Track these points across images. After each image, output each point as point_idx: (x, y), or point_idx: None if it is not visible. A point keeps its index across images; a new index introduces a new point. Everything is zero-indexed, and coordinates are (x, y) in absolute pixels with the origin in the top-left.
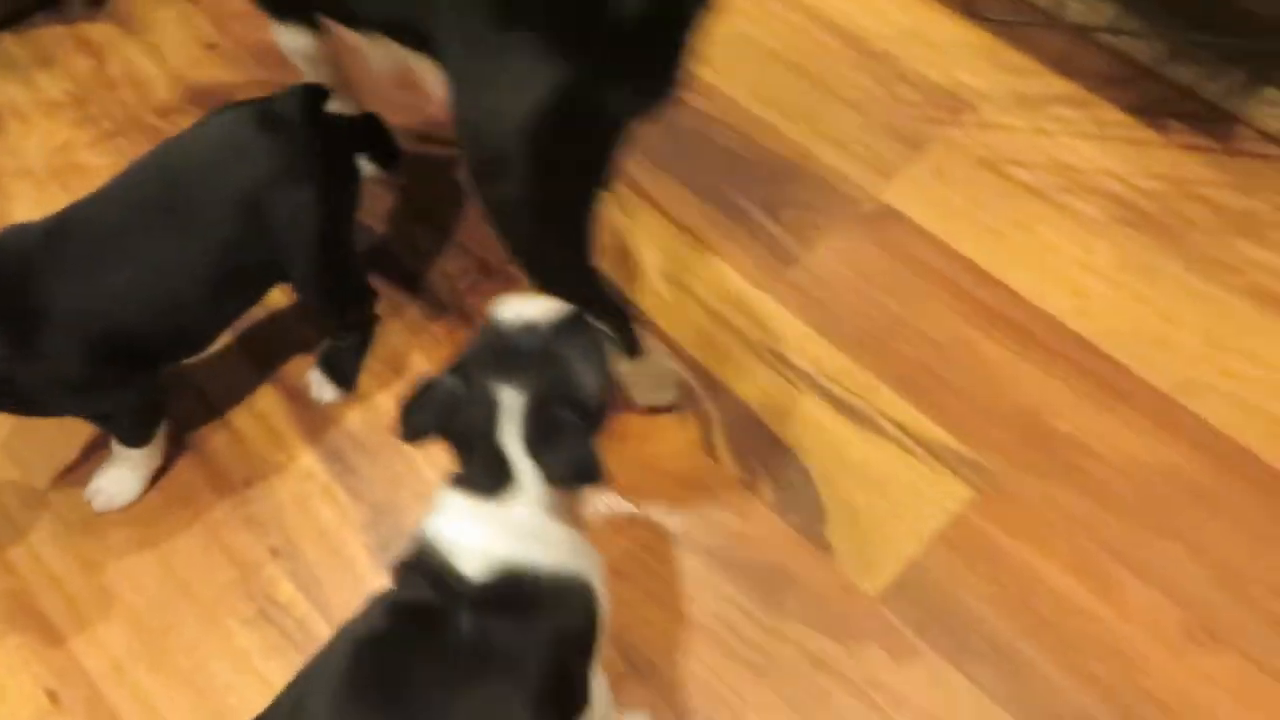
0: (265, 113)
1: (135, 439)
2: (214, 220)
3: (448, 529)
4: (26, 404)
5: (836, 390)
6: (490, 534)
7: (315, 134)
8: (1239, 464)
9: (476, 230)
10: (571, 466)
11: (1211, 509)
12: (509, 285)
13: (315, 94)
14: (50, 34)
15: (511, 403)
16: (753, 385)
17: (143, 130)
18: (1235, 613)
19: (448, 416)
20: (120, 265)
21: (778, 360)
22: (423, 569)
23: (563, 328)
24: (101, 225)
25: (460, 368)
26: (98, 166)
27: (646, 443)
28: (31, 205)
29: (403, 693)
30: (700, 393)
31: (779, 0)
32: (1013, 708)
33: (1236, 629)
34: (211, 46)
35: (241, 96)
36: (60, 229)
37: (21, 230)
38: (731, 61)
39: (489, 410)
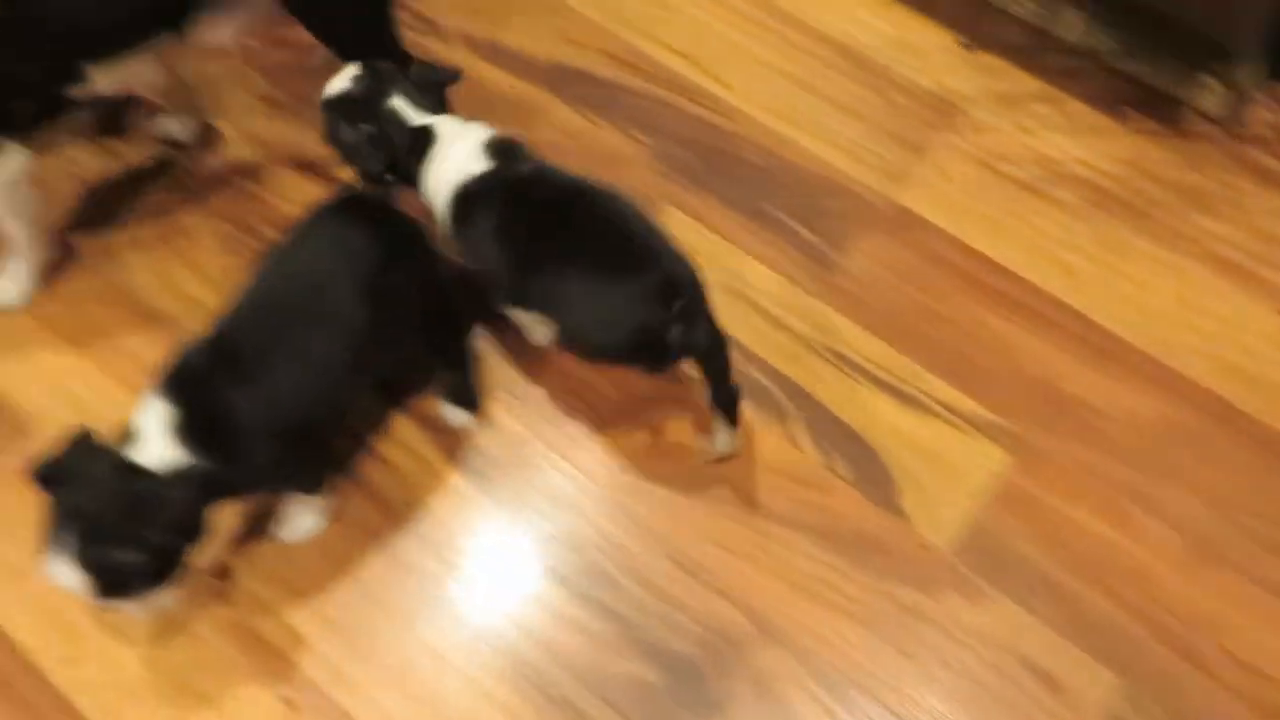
0: (357, 205)
1: (316, 488)
2: (348, 312)
3: None
4: (236, 495)
5: (887, 378)
6: None
7: (400, 214)
8: (1217, 410)
9: None
10: None
11: (1200, 451)
12: None
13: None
14: None
15: None
16: (819, 381)
17: None
18: (1229, 536)
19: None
20: (285, 367)
21: (837, 358)
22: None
23: None
24: (258, 334)
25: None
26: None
27: (748, 446)
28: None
29: None
30: (776, 391)
31: (784, 23)
32: (1068, 632)
33: (1231, 549)
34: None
35: None
36: (225, 344)
37: (196, 350)
38: (748, 84)
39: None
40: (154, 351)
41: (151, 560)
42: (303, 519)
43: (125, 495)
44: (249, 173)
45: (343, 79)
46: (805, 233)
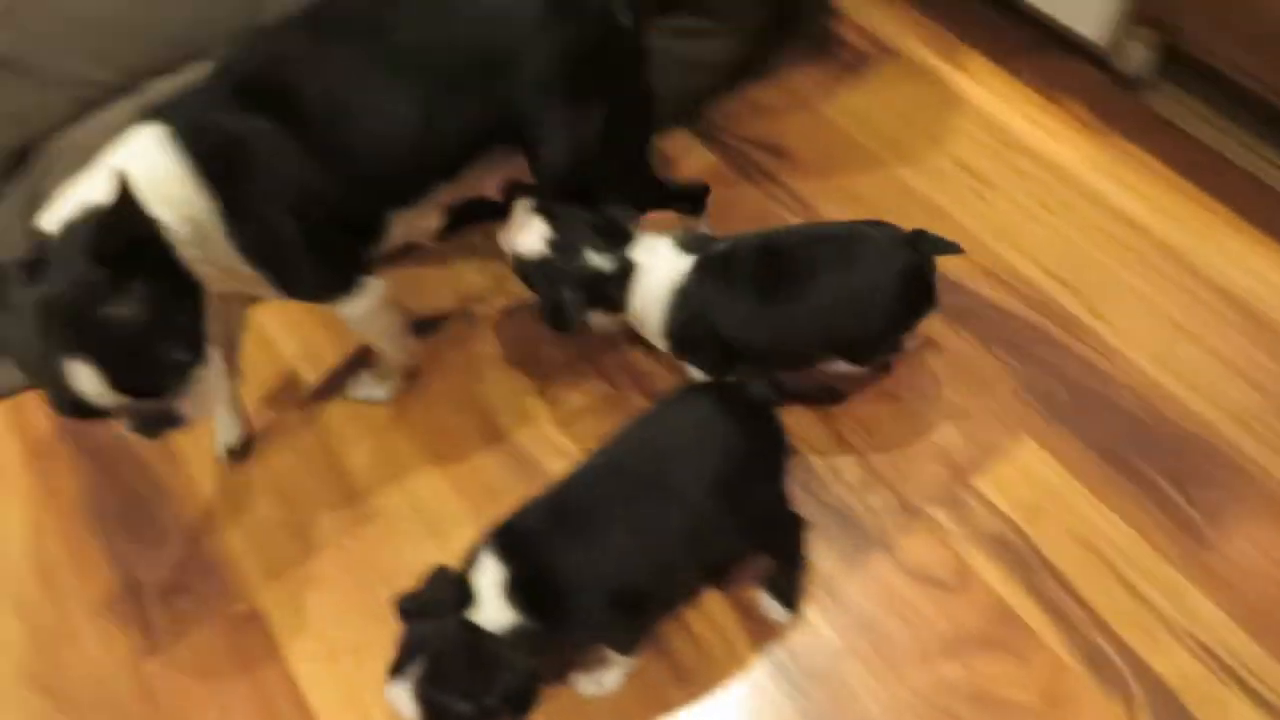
0: (731, 394)
1: (630, 651)
2: (697, 498)
3: None
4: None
5: (1258, 685)
6: None
7: (772, 414)
8: None
9: (895, 464)
10: None
11: None
12: (954, 513)
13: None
14: None
15: None
16: (1172, 665)
17: None
18: None
19: None
20: (622, 538)
21: (1199, 646)
22: None
23: None
24: (601, 500)
25: None
26: None
27: (1069, 713)
28: None
29: None
30: (1122, 665)
31: (1174, 263)
32: None
33: None
34: None
35: None
36: (566, 505)
37: (535, 510)
38: (1133, 326)
39: None
40: (494, 470)
41: (480, 716)
42: (606, 676)
43: (471, 651)
44: (633, 336)
45: (532, 234)
46: (1178, 498)
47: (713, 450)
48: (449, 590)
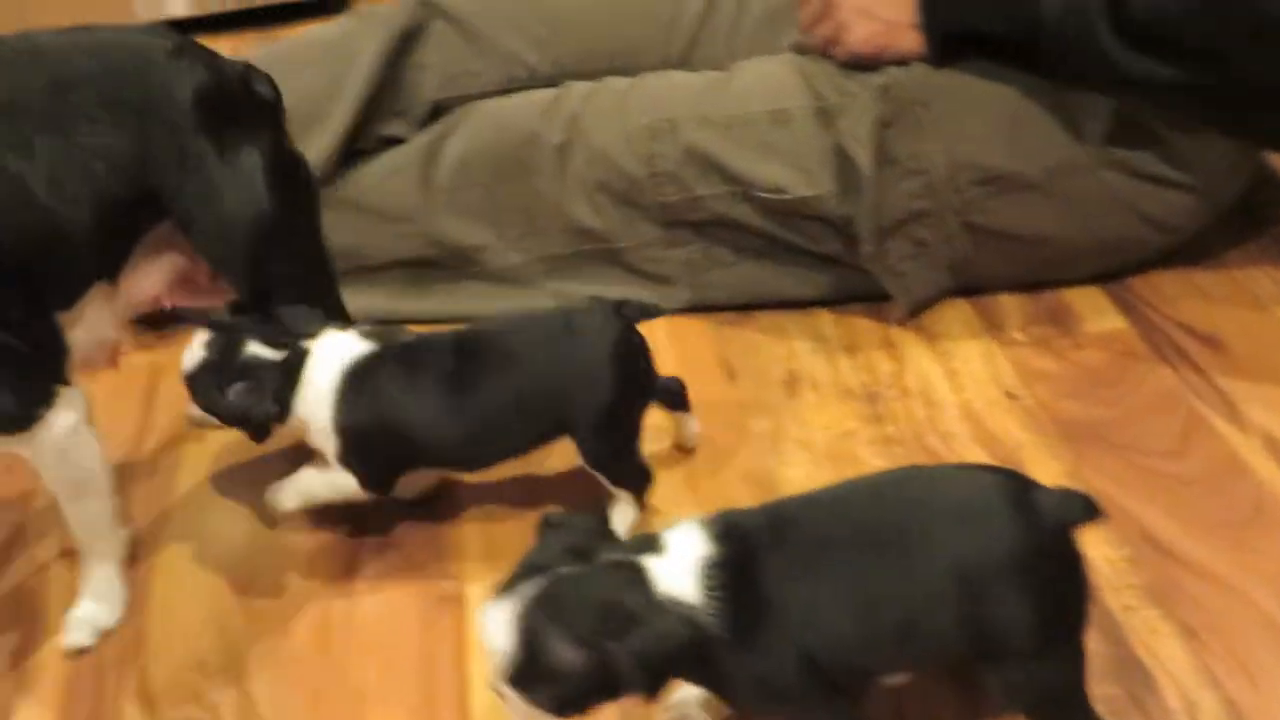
0: (1027, 492)
1: None
2: (940, 586)
3: None
4: (717, 685)
5: None
6: None
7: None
8: None
9: None
10: None
11: None
12: None
13: None
14: (863, 324)
15: None
16: None
17: (923, 447)
18: None
19: None
20: (835, 578)
21: None
22: None
23: None
24: (821, 530)
25: None
26: (871, 464)
27: None
28: (803, 475)
29: None
30: None
31: None
32: None
33: None
34: (1011, 396)
35: (1030, 463)
36: (781, 522)
37: (748, 514)
38: None
39: None
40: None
41: (587, 675)
42: None
43: (618, 588)
44: None
45: (194, 346)
46: None
47: (986, 535)
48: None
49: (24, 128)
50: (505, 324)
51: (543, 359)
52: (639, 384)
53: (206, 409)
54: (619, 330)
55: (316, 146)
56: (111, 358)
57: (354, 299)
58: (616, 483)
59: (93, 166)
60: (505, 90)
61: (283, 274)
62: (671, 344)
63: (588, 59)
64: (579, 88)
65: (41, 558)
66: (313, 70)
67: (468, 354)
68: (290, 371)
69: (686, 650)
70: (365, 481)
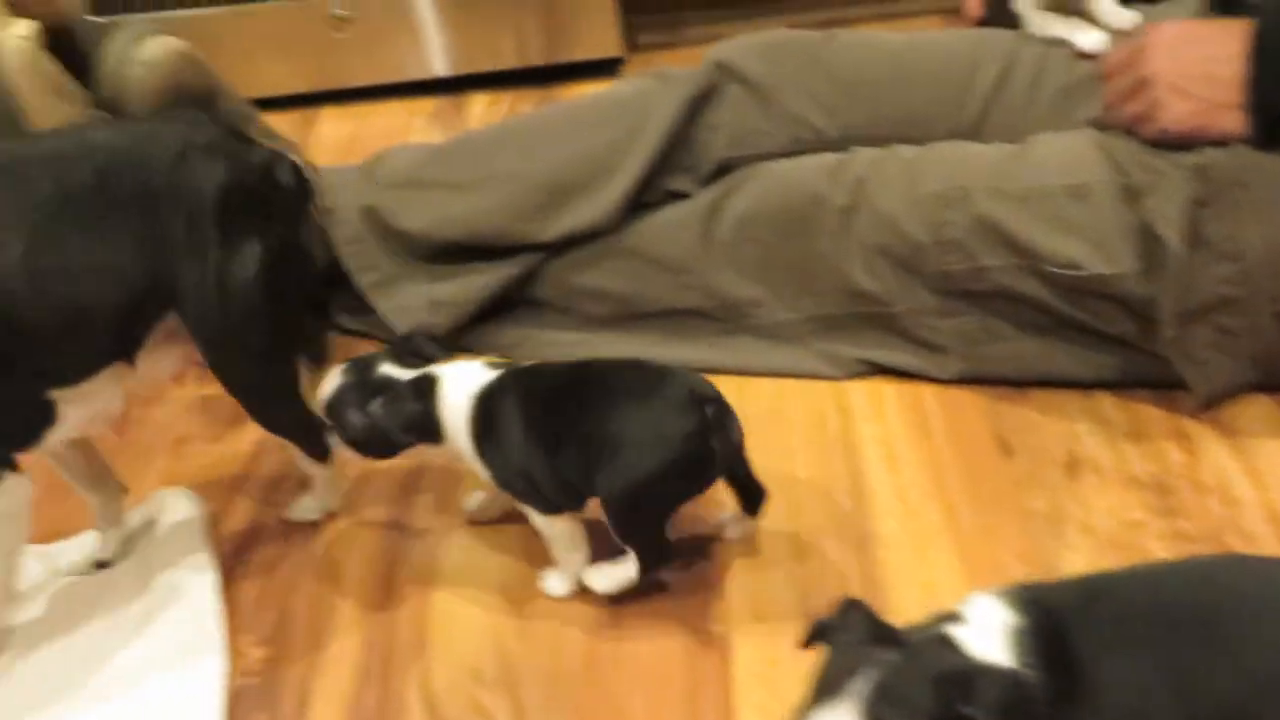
0: None
1: None
2: (1260, 665)
3: None
4: None
5: None
6: None
7: None
8: None
9: None
10: None
11: None
12: None
13: None
14: (1150, 411)
15: None
16: None
17: (1222, 546)
18: None
19: None
20: (1156, 657)
21: None
22: None
23: None
24: (1138, 607)
25: None
26: (1162, 559)
27: None
28: (1085, 560)
29: None
30: None
31: None
32: None
33: None
34: None
35: None
36: (1093, 595)
37: (1050, 588)
38: None
39: None
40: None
41: None
42: None
43: (938, 665)
44: None
45: (332, 378)
46: None
47: None
48: (872, 622)
49: (62, 222)
50: (619, 366)
51: (611, 413)
52: (687, 477)
53: (344, 432)
54: (695, 423)
55: (607, 195)
56: (115, 426)
57: (624, 344)
58: (627, 543)
59: (120, 256)
60: (791, 152)
61: (254, 348)
62: (942, 413)
63: (875, 125)
64: (866, 153)
65: (348, 533)
66: (610, 124)
67: (571, 388)
68: (425, 389)
69: (1020, 708)
70: (535, 506)
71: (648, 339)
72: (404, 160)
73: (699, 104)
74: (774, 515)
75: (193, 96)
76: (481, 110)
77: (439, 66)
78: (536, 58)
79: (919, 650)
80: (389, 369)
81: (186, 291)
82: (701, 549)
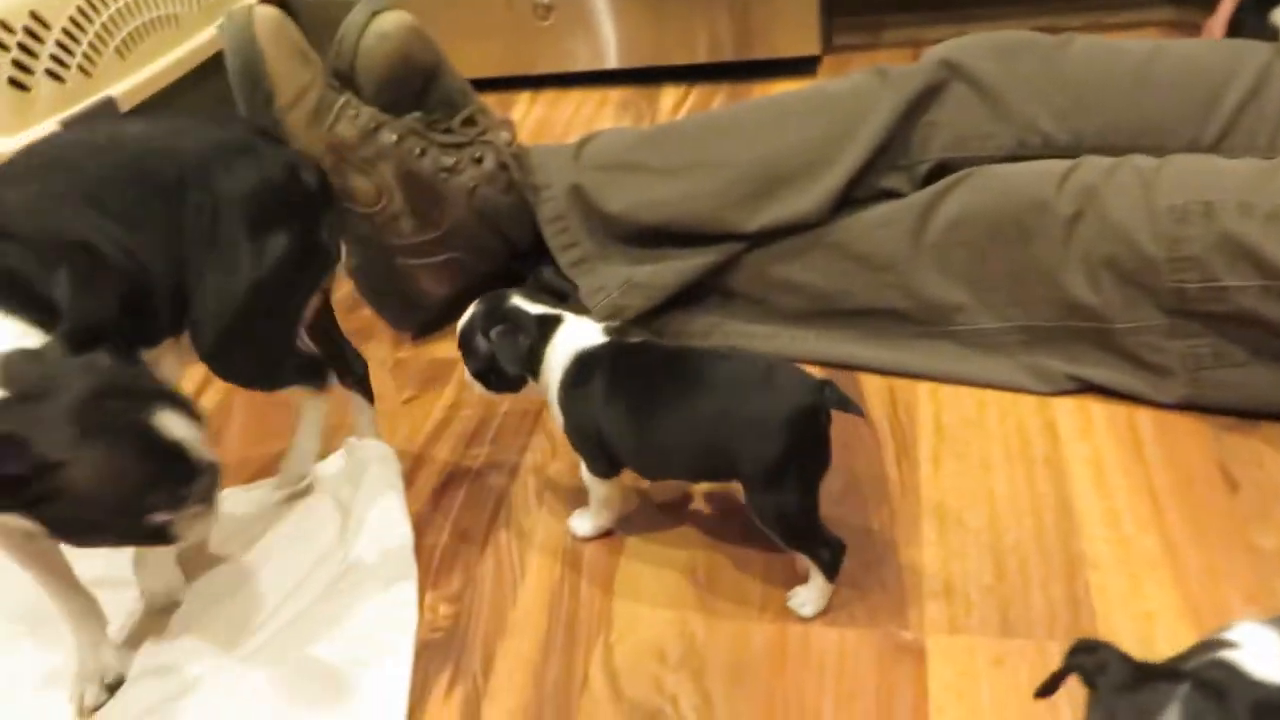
0: None
1: None
2: None
3: None
4: None
5: None
6: None
7: None
8: None
9: None
10: None
11: None
12: None
13: None
14: None
15: None
16: None
17: None
18: None
19: None
20: None
21: None
22: None
23: None
24: None
25: None
26: None
27: None
28: None
29: None
30: None
31: None
32: None
33: None
34: None
35: None
36: None
37: None
38: None
39: None
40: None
41: None
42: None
43: (1250, 695)
44: None
45: (468, 310)
46: None
47: None
48: (1132, 662)
49: (139, 204)
50: (720, 354)
51: (727, 398)
52: (812, 455)
53: (470, 360)
54: (811, 401)
55: (817, 189)
56: None
57: (816, 341)
58: (792, 545)
59: (172, 238)
60: (1013, 156)
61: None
62: (1159, 439)
63: (1109, 133)
64: (1099, 161)
65: (537, 504)
66: (825, 117)
67: (672, 370)
68: (545, 328)
69: None
70: (588, 465)
71: (842, 336)
72: (612, 142)
73: (920, 101)
74: (972, 527)
75: (419, 69)
76: (671, 102)
77: (631, 57)
78: (729, 53)
79: (1216, 682)
80: (521, 303)
81: (206, 282)
82: (895, 556)
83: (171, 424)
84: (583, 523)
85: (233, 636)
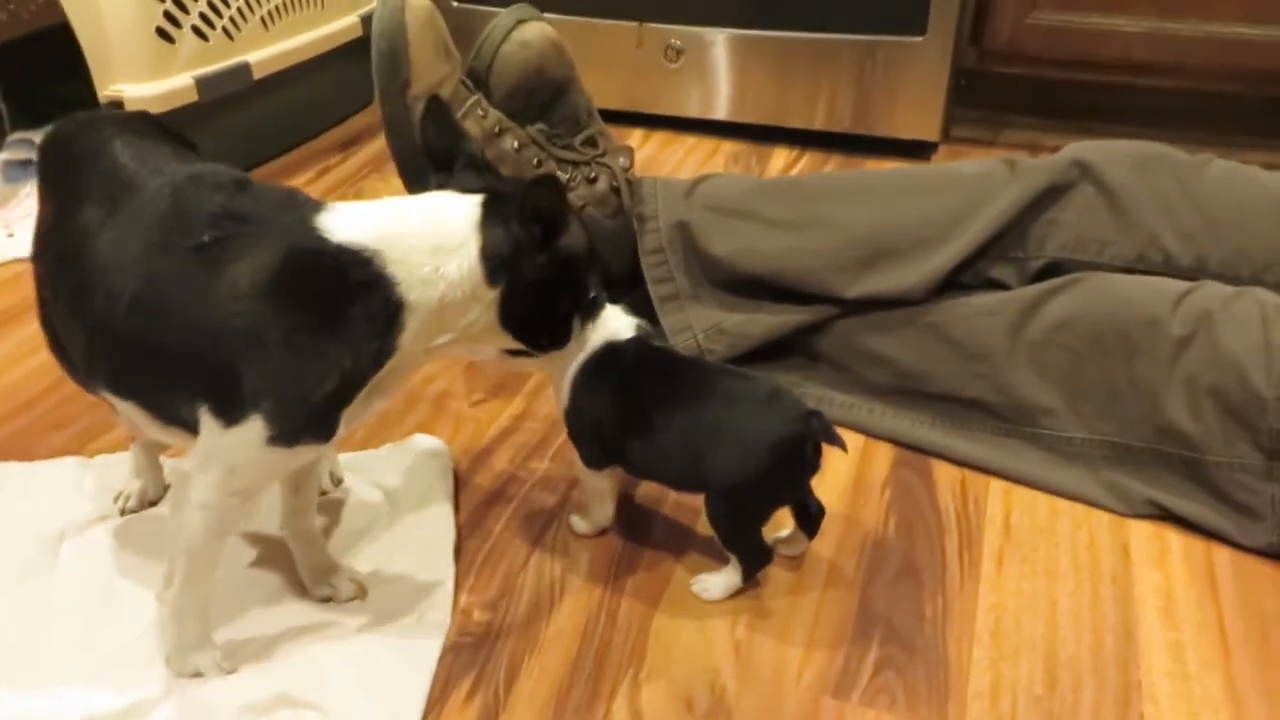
0: None
1: None
2: None
3: None
4: None
5: None
6: None
7: None
8: None
9: None
10: None
11: None
12: None
13: None
14: None
15: None
16: None
17: None
18: None
19: None
20: None
21: None
22: None
23: None
24: None
25: None
26: None
27: None
28: None
29: None
30: None
31: None
32: None
33: None
34: None
35: None
36: None
37: None
38: None
39: None
40: None
41: None
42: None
43: None
44: None
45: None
46: None
47: None
48: None
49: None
50: (733, 373)
51: (724, 411)
52: (786, 485)
53: None
54: (799, 432)
55: (926, 266)
56: None
57: (896, 420)
58: (730, 549)
59: None
60: (1130, 269)
61: None
62: (1236, 581)
63: (1235, 262)
64: (1220, 287)
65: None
66: (950, 196)
67: (683, 377)
68: (593, 307)
69: None
70: (582, 454)
71: (920, 419)
72: (728, 186)
73: (1046, 197)
74: (1028, 633)
75: (550, 82)
76: (782, 163)
77: (749, 113)
78: (846, 124)
79: None
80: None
81: None
82: (943, 647)
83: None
84: (580, 521)
85: (267, 611)
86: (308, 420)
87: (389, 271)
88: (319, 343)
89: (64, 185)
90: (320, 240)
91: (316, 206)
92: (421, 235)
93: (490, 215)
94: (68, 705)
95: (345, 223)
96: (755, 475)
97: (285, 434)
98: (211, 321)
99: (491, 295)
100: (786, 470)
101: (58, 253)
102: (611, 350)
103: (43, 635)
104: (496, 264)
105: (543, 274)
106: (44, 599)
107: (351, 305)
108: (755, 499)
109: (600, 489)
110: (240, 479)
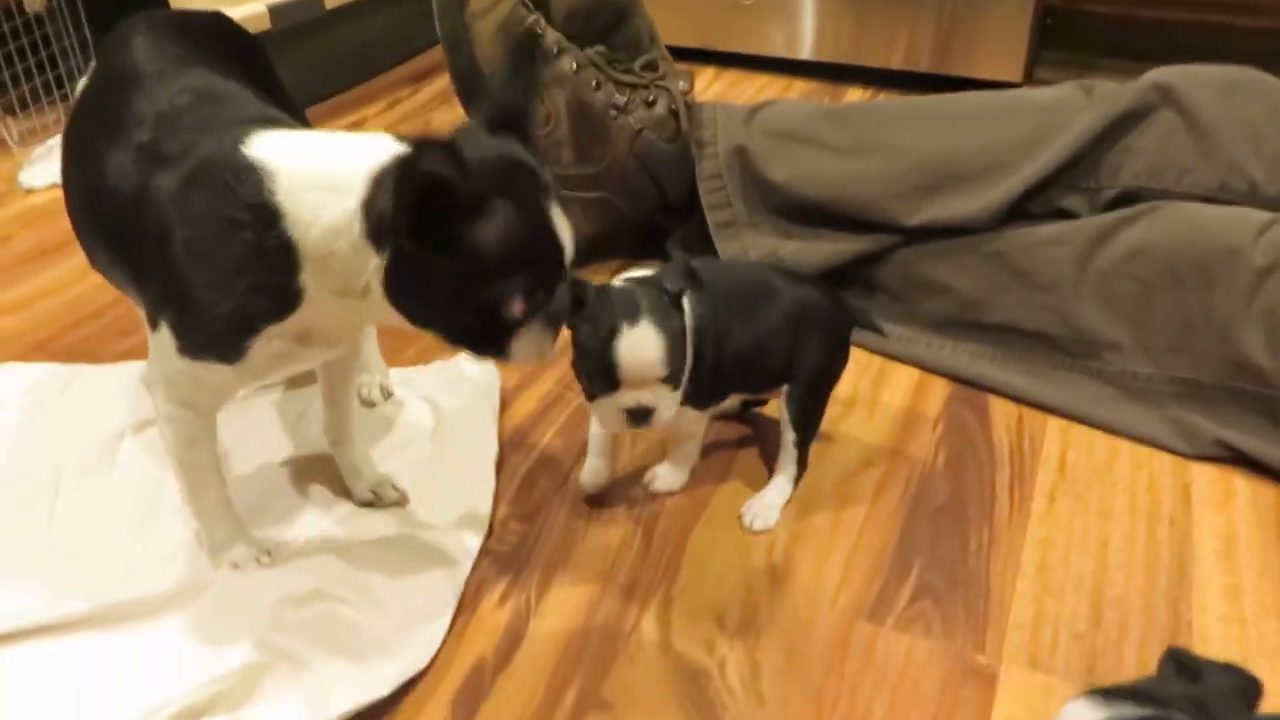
0: None
1: None
2: None
3: None
4: None
5: None
6: None
7: None
8: None
9: None
10: None
11: None
12: None
13: None
14: None
15: None
16: None
17: None
18: None
19: None
20: None
21: None
22: None
23: None
24: None
25: None
26: None
27: None
28: None
29: None
30: None
31: None
32: None
33: None
34: None
35: None
36: None
37: None
38: None
39: None
40: None
41: None
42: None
43: None
44: None
45: None
46: None
47: None
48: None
49: None
50: (791, 277)
51: (798, 312)
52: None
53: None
54: (849, 322)
55: (992, 193)
56: None
57: (954, 355)
58: (805, 442)
59: None
60: (1210, 199)
61: None
62: None
63: None
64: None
65: (629, 453)
66: (1019, 123)
67: (743, 284)
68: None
69: None
70: (696, 398)
71: (979, 352)
72: (788, 111)
73: (1123, 123)
74: (1075, 570)
75: (612, 5)
76: (856, 101)
77: (824, 51)
78: (925, 64)
79: None
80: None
81: None
82: (985, 579)
83: (560, 221)
84: (671, 473)
85: (310, 514)
86: (206, 338)
87: (276, 200)
88: (213, 261)
89: (92, 79)
90: (233, 154)
91: (266, 124)
92: (316, 170)
93: (398, 168)
94: (121, 588)
95: (267, 142)
96: (840, 362)
97: (187, 347)
98: (138, 222)
99: (378, 261)
100: (847, 355)
101: (72, 141)
102: (691, 278)
103: (103, 527)
104: (377, 223)
105: (424, 256)
106: (104, 494)
107: (243, 229)
108: (833, 384)
109: (700, 432)
110: (178, 390)
